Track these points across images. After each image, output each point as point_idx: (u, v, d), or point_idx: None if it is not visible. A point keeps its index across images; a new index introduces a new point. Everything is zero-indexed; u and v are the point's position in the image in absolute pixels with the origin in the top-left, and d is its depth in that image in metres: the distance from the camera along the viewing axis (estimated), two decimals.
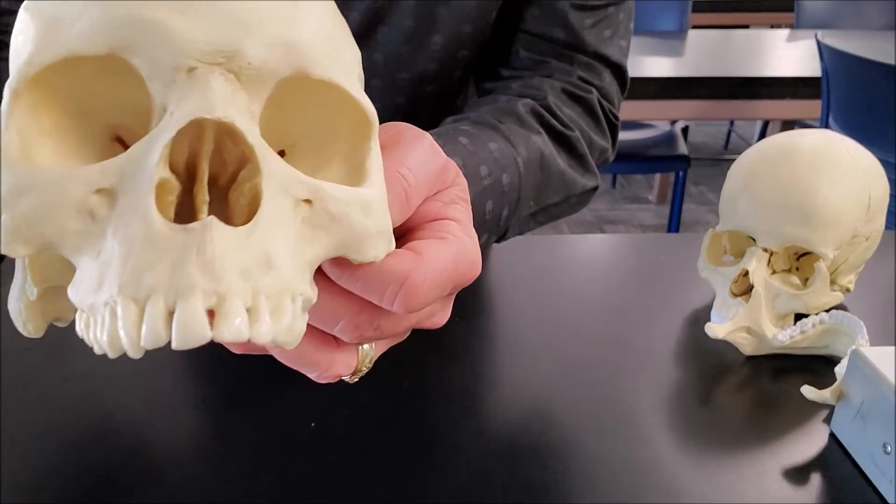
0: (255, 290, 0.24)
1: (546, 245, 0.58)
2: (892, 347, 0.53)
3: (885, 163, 0.79)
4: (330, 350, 0.32)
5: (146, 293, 0.23)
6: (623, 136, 2.34)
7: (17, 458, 0.51)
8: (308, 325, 0.29)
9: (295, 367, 0.32)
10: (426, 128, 0.65)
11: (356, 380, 0.35)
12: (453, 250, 0.31)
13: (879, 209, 0.67)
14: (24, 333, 0.27)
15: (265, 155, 0.25)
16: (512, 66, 0.61)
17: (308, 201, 0.26)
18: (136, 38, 0.24)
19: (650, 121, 2.45)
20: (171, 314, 0.23)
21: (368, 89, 0.62)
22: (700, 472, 0.53)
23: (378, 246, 0.28)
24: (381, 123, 0.63)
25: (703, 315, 0.71)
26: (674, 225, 2.39)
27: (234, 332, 0.23)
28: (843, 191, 0.64)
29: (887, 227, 0.80)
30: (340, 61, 0.28)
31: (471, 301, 0.73)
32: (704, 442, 0.55)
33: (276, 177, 0.25)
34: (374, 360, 0.34)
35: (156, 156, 0.24)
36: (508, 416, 0.58)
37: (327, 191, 0.27)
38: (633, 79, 0.65)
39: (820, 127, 1.90)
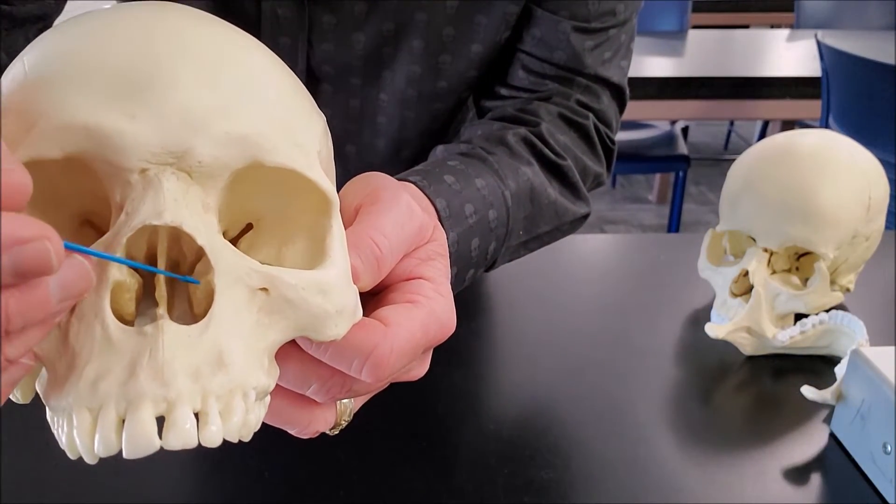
0: (205, 392, 0.25)
1: (546, 245, 0.58)
2: (892, 347, 0.53)
3: (885, 163, 0.79)
4: (306, 408, 0.32)
5: (99, 403, 0.24)
6: (623, 136, 2.34)
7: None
8: (282, 386, 0.30)
9: (274, 425, 0.32)
10: (435, 142, 0.65)
11: (336, 432, 0.35)
12: (423, 315, 0.31)
13: (879, 209, 0.67)
14: (14, 400, 0.28)
15: (217, 251, 0.26)
16: (511, 86, 0.61)
17: (264, 289, 0.27)
18: (88, 144, 0.24)
19: (650, 121, 2.44)
20: (123, 421, 0.24)
21: (376, 103, 0.62)
22: (700, 472, 0.53)
23: (339, 324, 0.28)
24: (389, 134, 0.63)
25: (703, 315, 0.71)
26: (674, 225, 2.39)
27: (183, 438, 0.24)
28: (844, 191, 0.64)
29: (887, 227, 0.80)
30: (296, 144, 0.28)
31: (472, 301, 0.73)
32: (704, 442, 0.55)
33: (229, 271, 0.26)
34: (354, 412, 0.35)
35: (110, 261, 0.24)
36: (509, 416, 0.58)
37: (282, 278, 0.27)
38: (634, 79, 0.64)
39: (820, 127, 1.90)
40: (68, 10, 0.59)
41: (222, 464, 0.52)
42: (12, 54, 0.53)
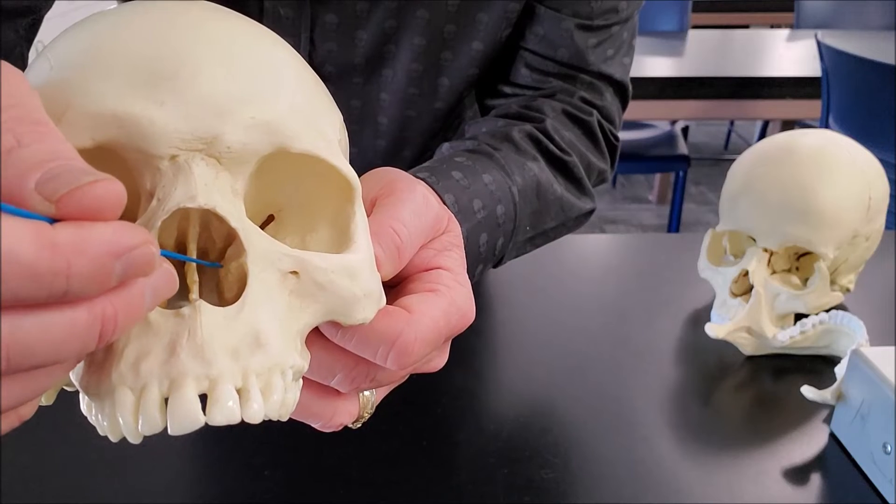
0: (245, 370, 0.25)
1: (547, 245, 0.58)
2: (892, 347, 0.53)
3: (885, 163, 0.79)
4: (331, 400, 0.32)
5: (142, 382, 0.24)
6: (623, 136, 2.31)
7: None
8: (306, 378, 0.30)
9: (298, 419, 0.32)
10: (435, 142, 0.65)
11: (359, 425, 0.35)
12: (444, 304, 0.32)
13: (879, 209, 0.67)
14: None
15: (249, 234, 0.26)
16: (514, 84, 0.61)
17: (295, 273, 0.27)
18: (119, 131, 0.25)
19: (650, 121, 2.45)
20: (165, 400, 0.24)
21: (378, 103, 0.62)
22: (700, 472, 0.53)
23: (366, 308, 0.29)
24: (390, 134, 0.63)
25: (703, 315, 0.71)
26: (674, 225, 2.39)
27: (227, 415, 0.24)
28: (844, 191, 0.64)
29: (887, 228, 0.80)
30: (318, 132, 0.29)
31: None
32: (704, 442, 0.55)
33: (261, 254, 0.26)
34: (375, 405, 0.35)
35: None
36: (509, 416, 0.58)
37: (312, 261, 0.27)
38: (634, 79, 0.65)
39: (820, 127, 1.90)
40: (58, 5, 0.59)
41: (223, 462, 0.52)
42: (4, 48, 0.53)
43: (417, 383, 0.60)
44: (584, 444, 0.55)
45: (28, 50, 0.56)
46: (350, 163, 0.31)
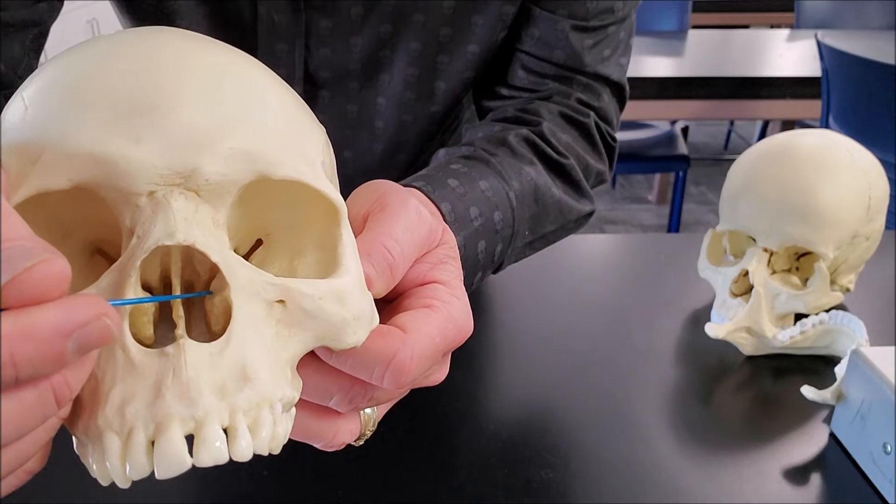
0: (232, 407, 0.25)
1: (552, 244, 0.58)
2: (892, 347, 0.53)
3: (885, 163, 0.79)
4: (331, 420, 0.32)
5: (127, 426, 0.24)
6: (623, 136, 2.33)
7: None
8: (304, 400, 0.30)
9: (300, 440, 0.32)
10: (432, 145, 0.65)
11: (362, 443, 0.35)
12: (440, 320, 0.32)
13: (879, 209, 0.67)
14: None
15: (231, 267, 0.26)
16: (511, 86, 0.61)
17: (281, 301, 0.27)
18: (95, 171, 0.24)
19: (650, 121, 2.45)
20: (152, 443, 0.24)
21: (374, 108, 0.62)
22: (700, 472, 0.53)
23: (357, 331, 0.28)
24: (387, 138, 0.63)
25: (703, 315, 0.71)
26: (674, 225, 2.39)
27: (214, 455, 0.24)
28: (844, 191, 0.64)
29: (887, 227, 0.80)
30: (300, 155, 0.28)
31: (472, 301, 0.73)
32: (704, 442, 0.55)
33: (244, 285, 0.26)
34: (377, 422, 0.35)
35: (125, 285, 0.24)
36: (509, 416, 0.58)
37: (299, 289, 0.27)
38: (634, 79, 0.64)
39: (820, 127, 1.90)
40: (65, 12, 0.59)
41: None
42: (9, 62, 0.53)
43: None
44: (584, 445, 0.55)
45: (37, 62, 0.56)
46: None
